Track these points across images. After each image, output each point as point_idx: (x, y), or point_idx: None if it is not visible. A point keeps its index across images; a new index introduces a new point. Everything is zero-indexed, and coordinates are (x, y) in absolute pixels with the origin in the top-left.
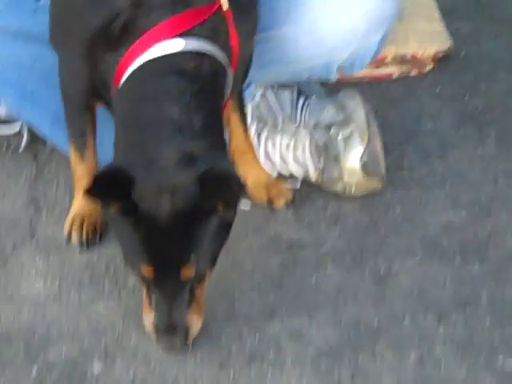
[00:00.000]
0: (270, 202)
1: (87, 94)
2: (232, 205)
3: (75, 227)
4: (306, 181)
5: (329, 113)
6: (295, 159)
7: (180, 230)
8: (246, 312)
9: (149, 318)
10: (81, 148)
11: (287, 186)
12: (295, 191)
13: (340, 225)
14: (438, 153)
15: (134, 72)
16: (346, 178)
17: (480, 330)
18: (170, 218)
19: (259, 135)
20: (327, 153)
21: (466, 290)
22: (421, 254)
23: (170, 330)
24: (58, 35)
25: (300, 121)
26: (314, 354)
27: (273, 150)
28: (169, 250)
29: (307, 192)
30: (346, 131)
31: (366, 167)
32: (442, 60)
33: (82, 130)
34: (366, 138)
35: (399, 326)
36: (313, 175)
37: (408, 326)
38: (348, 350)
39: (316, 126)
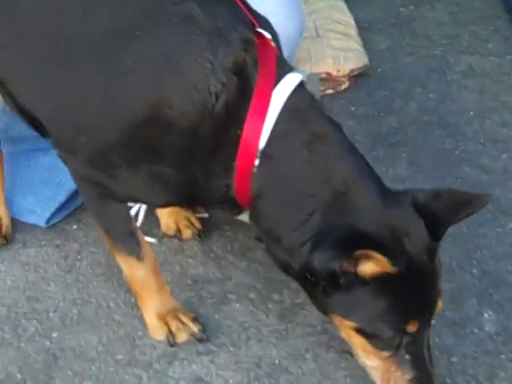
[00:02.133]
0: (179, 232)
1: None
2: None
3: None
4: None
5: None
6: None
7: (436, 267)
8: (147, 357)
9: (400, 380)
10: (134, 248)
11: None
12: (204, 221)
13: (247, 258)
14: None
15: (271, 143)
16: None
17: None
18: (429, 262)
19: None
20: None
21: None
22: None
23: (430, 377)
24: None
25: None
26: None
27: None
28: (430, 295)
29: (215, 223)
30: None
31: None
32: (359, 77)
33: (128, 228)
34: None
35: (301, 363)
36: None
37: (310, 362)
38: None
39: None
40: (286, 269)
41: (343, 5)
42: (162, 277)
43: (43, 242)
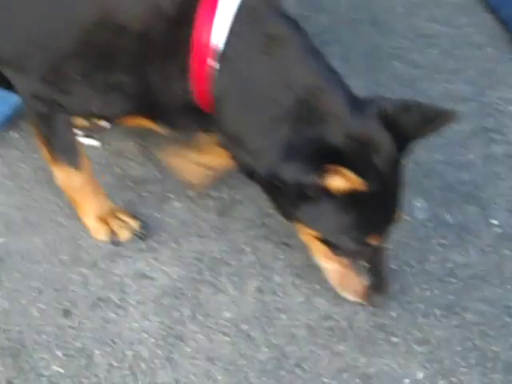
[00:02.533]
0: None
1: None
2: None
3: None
4: None
5: None
6: None
7: (400, 180)
8: (91, 256)
9: (357, 285)
10: (74, 159)
11: None
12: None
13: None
14: None
15: (228, 46)
16: None
17: None
18: (395, 177)
19: None
20: None
21: None
22: None
23: (386, 285)
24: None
25: None
26: (158, 293)
27: None
28: (393, 209)
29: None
30: None
31: None
32: None
33: (71, 140)
34: None
35: (241, 256)
36: None
37: (249, 255)
38: (190, 285)
39: None
40: (249, 173)
41: None
42: (96, 181)
43: None
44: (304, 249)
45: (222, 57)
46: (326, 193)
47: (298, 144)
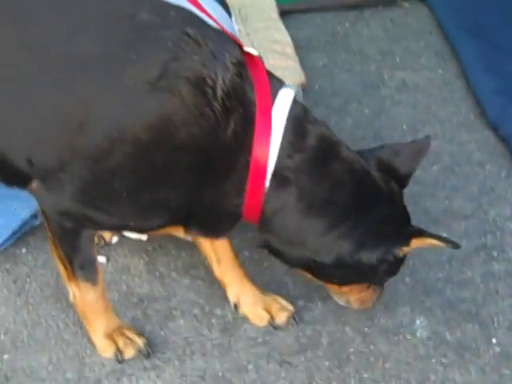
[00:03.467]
0: (272, 319)
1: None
2: None
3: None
4: None
5: None
6: None
7: None
8: (96, 374)
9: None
10: (92, 274)
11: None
12: (147, 242)
13: (191, 275)
14: None
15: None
16: None
17: (319, 372)
18: None
19: None
20: None
21: (308, 332)
22: None
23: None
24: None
25: None
26: None
27: None
28: None
29: (160, 242)
30: None
31: None
32: None
33: (92, 256)
34: None
35: (243, 374)
36: None
37: (252, 373)
38: None
39: None
40: (302, 264)
41: (280, 24)
42: (107, 297)
43: None
44: (305, 368)
45: (275, 175)
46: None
47: (366, 231)
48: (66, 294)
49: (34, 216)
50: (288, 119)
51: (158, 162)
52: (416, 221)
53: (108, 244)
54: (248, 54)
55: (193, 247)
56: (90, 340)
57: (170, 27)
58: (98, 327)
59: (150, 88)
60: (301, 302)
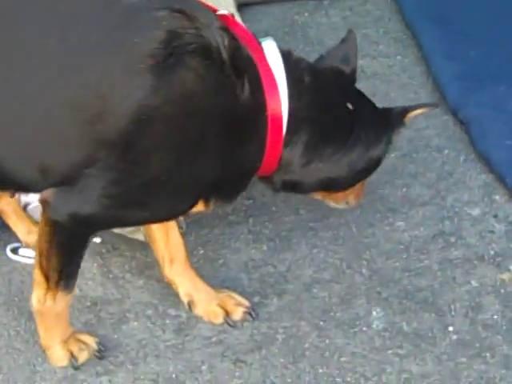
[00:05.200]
0: (228, 315)
1: None
2: None
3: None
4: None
5: None
6: None
7: None
8: (48, 382)
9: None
10: (72, 285)
11: None
12: (101, 244)
13: (145, 276)
14: None
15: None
16: (143, 228)
17: (274, 369)
18: None
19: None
20: None
21: (263, 329)
22: None
23: None
24: None
25: None
26: None
27: None
28: None
29: (113, 243)
30: None
31: None
32: None
33: (79, 265)
34: None
35: (197, 375)
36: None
37: (206, 374)
38: None
39: None
40: (319, 186)
41: (238, 18)
42: None
43: None
44: (260, 366)
45: (290, 120)
46: None
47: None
48: (17, 302)
49: None
50: (287, 70)
51: (189, 135)
52: (373, 209)
53: None
54: (223, 16)
55: (147, 247)
56: (42, 348)
57: (158, 6)
58: (57, 336)
59: (162, 68)
60: (256, 299)
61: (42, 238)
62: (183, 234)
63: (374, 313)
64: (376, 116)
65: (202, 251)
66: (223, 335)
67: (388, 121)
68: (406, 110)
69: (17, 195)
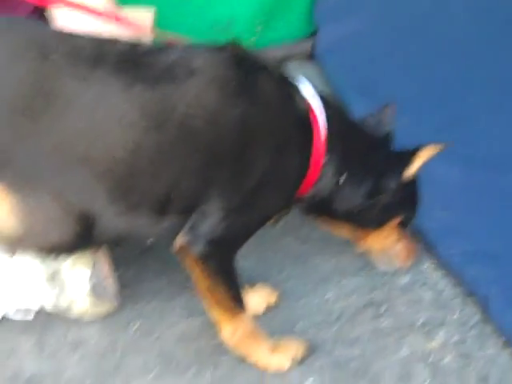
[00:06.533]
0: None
1: None
2: None
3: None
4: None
5: None
6: (29, 291)
7: None
8: None
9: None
10: (243, 303)
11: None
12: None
13: (80, 350)
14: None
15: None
16: (75, 306)
17: None
18: None
19: None
20: (57, 282)
21: None
22: (157, 369)
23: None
24: None
25: None
26: None
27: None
28: None
29: (48, 319)
30: (71, 260)
31: (95, 293)
32: None
33: (239, 285)
34: (91, 265)
35: None
36: (48, 306)
37: None
38: None
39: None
40: (347, 215)
41: None
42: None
43: None
44: None
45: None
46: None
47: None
48: None
49: None
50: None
51: (278, 137)
52: (307, 278)
53: None
54: None
55: (82, 321)
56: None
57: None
58: (264, 350)
59: (244, 85)
60: (193, 370)
61: (200, 280)
62: None
63: (307, 383)
64: (391, 155)
65: (137, 325)
66: None
67: (401, 159)
68: (416, 149)
69: None
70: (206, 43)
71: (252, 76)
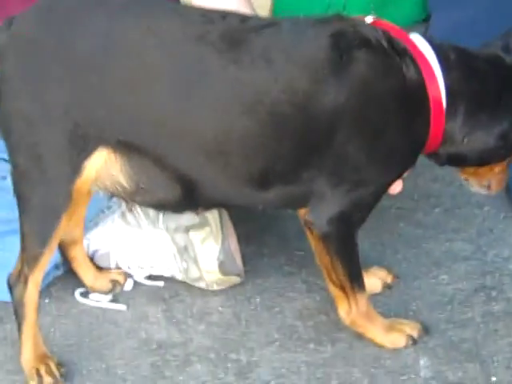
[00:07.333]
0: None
1: None
2: None
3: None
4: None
5: (187, 216)
6: (161, 261)
7: None
8: None
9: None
10: (363, 283)
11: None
12: (164, 289)
13: (206, 321)
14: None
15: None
16: (205, 277)
17: None
18: None
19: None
20: (188, 255)
21: (319, 375)
22: (279, 341)
23: None
24: None
25: (162, 224)
26: None
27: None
28: None
29: (176, 289)
30: (202, 234)
31: (223, 266)
32: None
33: (359, 264)
34: (219, 239)
35: None
36: (178, 275)
37: None
38: None
39: (176, 229)
40: (477, 159)
41: None
42: None
43: None
44: None
45: (446, 96)
46: None
47: None
48: (87, 342)
49: (56, 266)
50: (436, 54)
51: (377, 115)
52: (418, 263)
53: (122, 290)
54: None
55: (206, 294)
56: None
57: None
58: (379, 328)
59: (340, 67)
60: (311, 345)
61: (321, 255)
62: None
63: (422, 362)
64: None
65: (258, 300)
66: (281, 379)
67: None
68: None
69: (88, 244)
70: (313, 17)
71: (348, 55)
